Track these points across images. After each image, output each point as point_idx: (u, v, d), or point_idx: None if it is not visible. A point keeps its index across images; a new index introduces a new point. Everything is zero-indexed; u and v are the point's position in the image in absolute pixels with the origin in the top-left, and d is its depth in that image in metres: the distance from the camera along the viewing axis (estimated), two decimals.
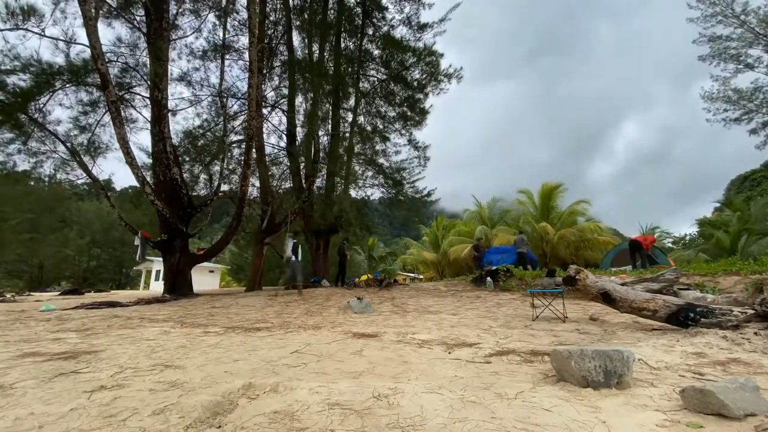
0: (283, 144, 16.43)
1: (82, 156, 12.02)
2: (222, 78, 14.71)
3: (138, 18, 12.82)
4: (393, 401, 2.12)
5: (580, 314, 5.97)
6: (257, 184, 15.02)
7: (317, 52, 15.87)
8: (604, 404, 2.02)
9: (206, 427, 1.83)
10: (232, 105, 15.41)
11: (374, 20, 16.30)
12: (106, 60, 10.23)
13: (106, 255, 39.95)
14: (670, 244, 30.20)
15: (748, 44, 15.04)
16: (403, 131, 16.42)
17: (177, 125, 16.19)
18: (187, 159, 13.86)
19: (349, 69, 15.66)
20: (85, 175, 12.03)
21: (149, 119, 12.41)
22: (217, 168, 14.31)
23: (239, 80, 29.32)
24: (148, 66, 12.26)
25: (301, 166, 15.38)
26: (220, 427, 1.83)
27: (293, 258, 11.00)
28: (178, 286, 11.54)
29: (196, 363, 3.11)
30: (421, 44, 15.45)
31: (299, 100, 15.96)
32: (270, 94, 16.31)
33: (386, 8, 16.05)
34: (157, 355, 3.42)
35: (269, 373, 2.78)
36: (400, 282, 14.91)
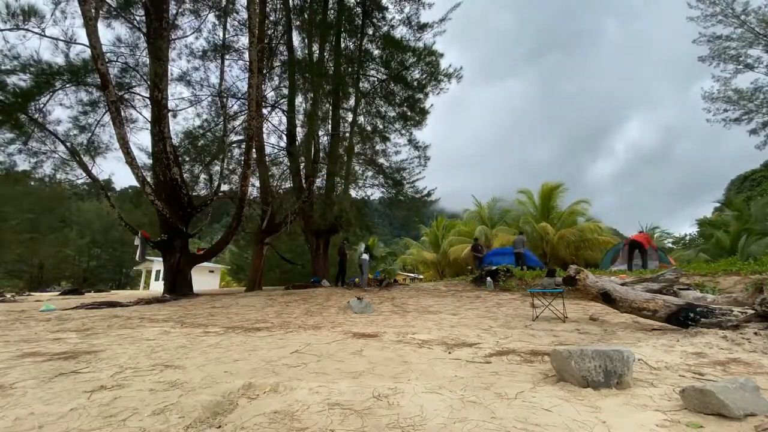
0: (283, 144, 16.47)
1: (82, 156, 12.03)
2: (222, 78, 14.74)
3: (138, 18, 12.82)
4: (393, 401, 2.12)
5: (580, 314, 5.97)
6: (257, 184, 15.04)
7: (317, 52, 15.88)
8: (604, 404, 2.02)
9: (206, 427, 1.83)
10: (232, 105, 15.45)
11: (374, 20, 16.30)
12: (106, 60, 10.23)
13: (106, 255, 39.92)
14: (670, 244, 30.21)
15: (748, 44, 15.03)
16: (403, 131, 16.44)
17: (177, 125, 16.25)
18: (187, 159, 13.87)
19: (349, 69, 15.66)
20: (85, 175, 12.05)
21: (149, 119, 12.43)
22: (217, 168, 14.33)
23: (239, 80, 29.35)
24: (148, 66, 12.26)
25: (301, 166, 15.39)
26: (220, 427, 1.83)
27: (365, 256, 12.13)
28: (178, 286, 11.55)
29: (196, 363, 3.11)
30: (421, 44, 15.47)
31: (299, 100, 16.01)
32: (270, 94, 16.35)
33: (386, 8, 16.06)
34: (157, 355, 3.42)
35: (269, 373, 2.78)
36: (400, 282, 14.92)
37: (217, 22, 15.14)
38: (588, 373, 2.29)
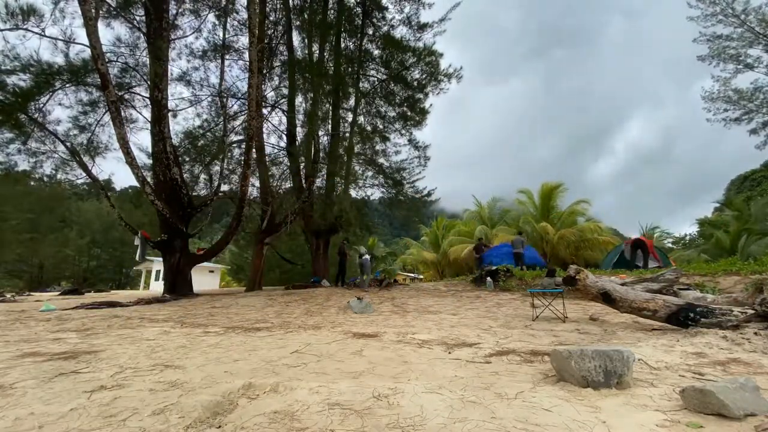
0: (283, 144, 16.46)
1: (82, 156, 12.03)
2: (222, 78, 14.73)
3: (138, 18, 12.82)
4: (393, 401, 2.12)
5: (580, 314, 5.97)
6: (257, 184, 15.03)
7: (317, 52, 15.88)
8: (604, 404, 2.02)
9: (206, 427, 1.83)
10: (232, 105, 15.44)
11: (374, 20, 16.30)
12: (106, 60, 10.23)
13: (106, 255, 39.92)
14: (670, 244, 30.19)
15: (748, 44, 15.03)
16: (403, 131, 16.44)
17: (177, 125, 16.22)
18: (187, 159, 13.87)
19: (349, 69, 15.65)
20: (85, 175, 12.05)
21: (149, 119, 12.42)
22: (217, 168, 14.32)
23: (239, 80, 29.30)
24: (148, 66, 12.26)
25: (301, 166, 15.38)
26: (220, 427, 1.83)
27: (366, 256, 12.16)
28: (178, 286, 11.55)
29: (196, 363, 3.11)
30: (421, 44, 15.48)
31: (299, 100, 16.01)
32: (270, 94, 16.34)
33: (386, 8, 16.06)
34: (157, 355, 3.42)
35: (269, 373, 2.78)
36: (400, 282, 14.92)
37: (217, 22, 15.15)
38: (588, 373, 2.29)
